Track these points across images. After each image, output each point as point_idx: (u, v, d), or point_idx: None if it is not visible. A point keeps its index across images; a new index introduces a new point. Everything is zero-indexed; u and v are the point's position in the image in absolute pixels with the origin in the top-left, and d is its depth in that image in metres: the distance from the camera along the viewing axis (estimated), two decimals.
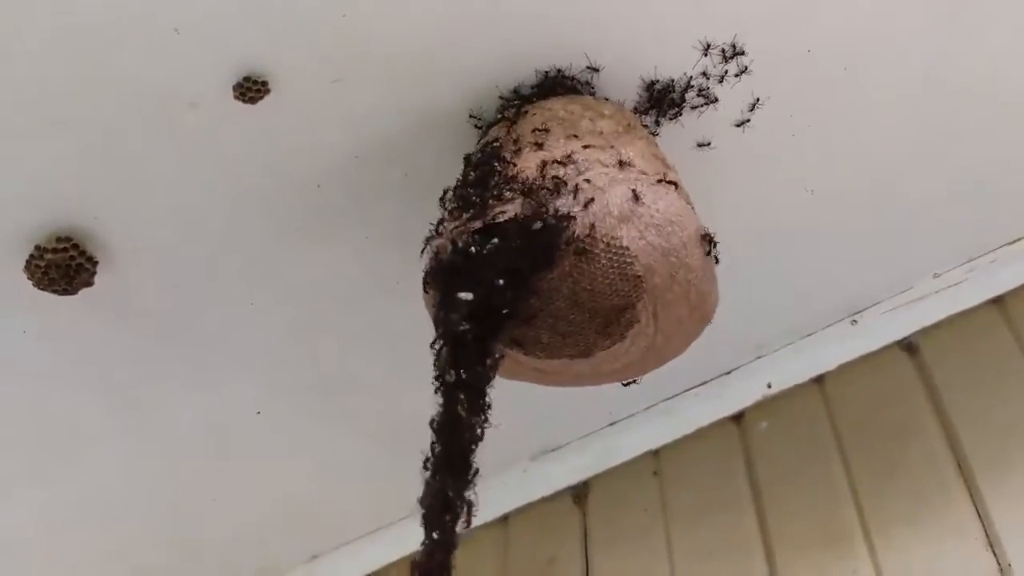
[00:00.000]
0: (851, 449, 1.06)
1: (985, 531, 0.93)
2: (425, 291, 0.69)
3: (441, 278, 0.66)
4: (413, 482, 1.23)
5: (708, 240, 0.70)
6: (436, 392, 0.62)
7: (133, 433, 1.16)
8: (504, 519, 1.31)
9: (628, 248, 0.64)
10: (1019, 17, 0.84)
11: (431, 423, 0.61)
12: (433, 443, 0.60)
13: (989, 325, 1.05)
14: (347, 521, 1.39)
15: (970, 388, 1.02)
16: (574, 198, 0.65)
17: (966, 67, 0.88)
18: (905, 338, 1.09)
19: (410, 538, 1.39)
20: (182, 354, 1.05)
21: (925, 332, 1.08)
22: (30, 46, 0.74)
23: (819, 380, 1.14)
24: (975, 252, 1.07)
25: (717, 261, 0.72)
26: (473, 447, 0.60)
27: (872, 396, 1.09)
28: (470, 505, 0.58)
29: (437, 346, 0.63)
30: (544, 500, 1.28)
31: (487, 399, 0.62)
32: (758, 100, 0.86)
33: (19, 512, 1.24)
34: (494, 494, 1.36)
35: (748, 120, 0.88)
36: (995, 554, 0.91)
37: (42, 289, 0.88)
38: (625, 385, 0.78)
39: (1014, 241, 1.05)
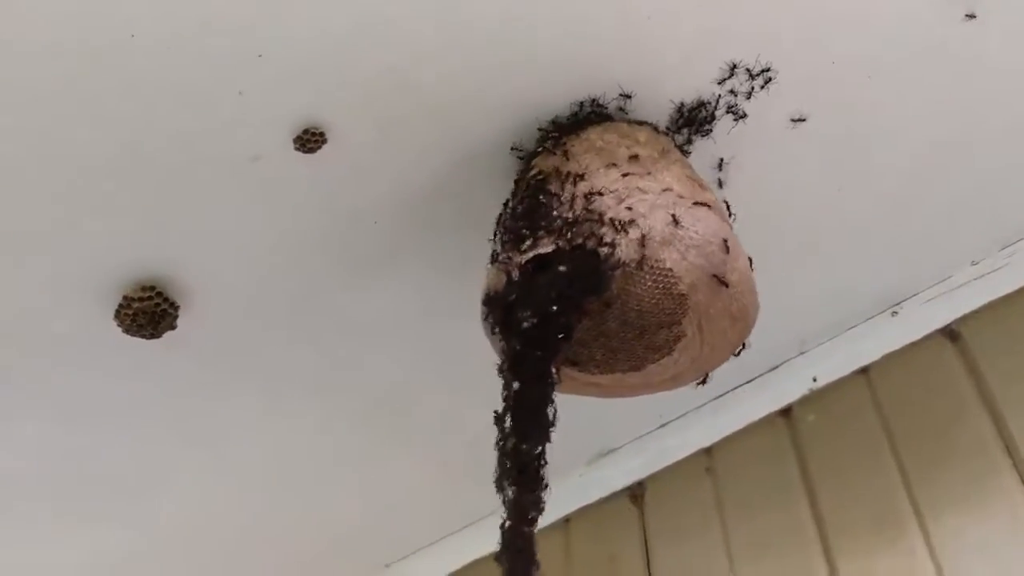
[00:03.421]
0: (899, 437, 1.09)
1: None
2: (484, 319, 0.75)
3: (499, 308, 0.71)
4: (473, 493, 1.31)
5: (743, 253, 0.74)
6: (504, 411, 0.68)
7: (210, 463, 1.24)
8: (566, 521, 1.36)
9: (671, 269, 0.69)
10: None
11: (497, 442, 0.67)
12: (503, 460, 0.66)
13: None
14: (415, 531, 1.46)
15: (1014, 371, 1.03)
16: (617, 226, 0.70)
17: (992, 56, 0.89)
18: (946, 326, 1.11)
19: (475, 544, 1.46)
20: (254, 387, 1.12)
21: (966, 319, 1.10)
22: (113, 114, 0.82)
23: (864, 371, 1.16)
24: (1011, 238, 1.08)
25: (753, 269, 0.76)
26: (541, 461, 0.66)
27: (917, 384, 1.11)
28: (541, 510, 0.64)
29: (503, 370, 0.69)
30: (602, 501, 1.33)
31: (550, 416, 0.68)
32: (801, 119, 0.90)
33: (103, 544, 1.34)
34: (555, 498, 1.42)
35: (802, 120, 0.91)
36: None
37: (131, 335, 0.96)
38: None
39: None
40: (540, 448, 0.66)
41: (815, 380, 1.19)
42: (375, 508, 1.38)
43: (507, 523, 0.64)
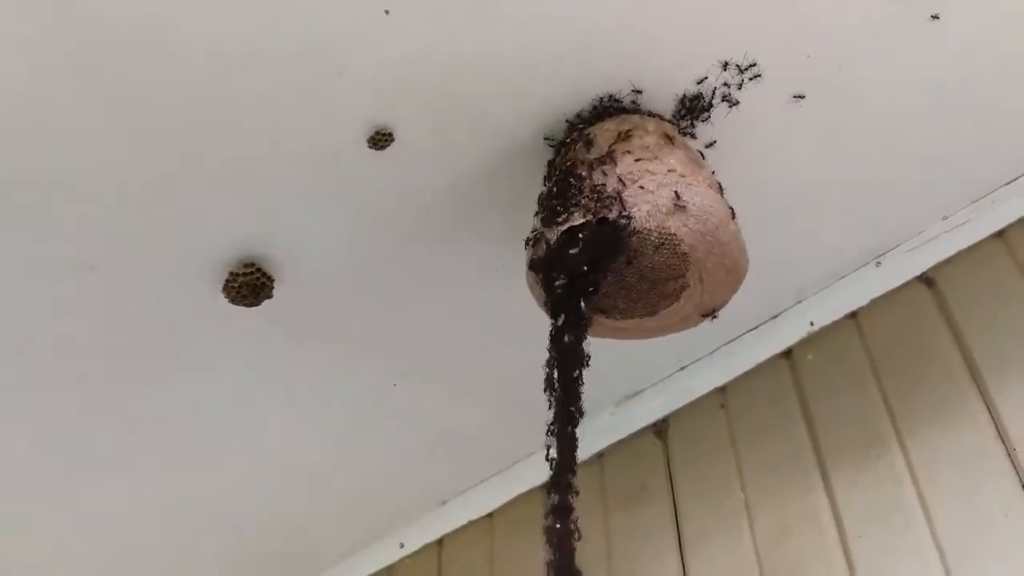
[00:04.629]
0: (883, 370, 1.25)
1: (995, 424, 1.11)
2: (530, 276, 0.94)
3: (542, 268, 0.91)
4: (519, 434, 1.50)
5: (734, 219, 0.93)
6: (552, 346, 0.88)
7: (296, 409, 1.46)
8: (599, 455, 1.55)
9: (676, 234, 0.88)
10: None
11: (549, 367, 0.87)
12: (553, 381, 0.86)
13: (993, 255, 1.22)
14: (469, 470, 1.67)
15: (980, 310, 1.19)
16: (633, 201, 0.89)
17: (948, 34, 1.03)
18: (923, 273, 1.27)
19: (521, 481, 1.66)
20: (335, 344, 1.33)
21: (939, 267, 1.25)
22: (230, 122, 1.02)
23: (853, 315, 1.32)
24: (977, 194, 1.24)
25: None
26: (581, 382, 0.86)
27: (899, 324, 1.27)
28: (581, 413, 0.84)
29: (551, 316, 0.89)
30: (631, 437, 1.51)
31: (585, 349, 0.88)
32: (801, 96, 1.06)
33: (203, 479, 1.57)
34: (589, 436, 1.61)
35: (801, 97, 1.07)
36: (1004, 442, 1.10)
37: (235, 304, 1.17)
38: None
39: (1009, 182, 1.22)
40: (578, 371, 0.86)
41: (812, 324, 1.36)
42: (432, 449, 1.58)
43: (556, 427, 0.84)
